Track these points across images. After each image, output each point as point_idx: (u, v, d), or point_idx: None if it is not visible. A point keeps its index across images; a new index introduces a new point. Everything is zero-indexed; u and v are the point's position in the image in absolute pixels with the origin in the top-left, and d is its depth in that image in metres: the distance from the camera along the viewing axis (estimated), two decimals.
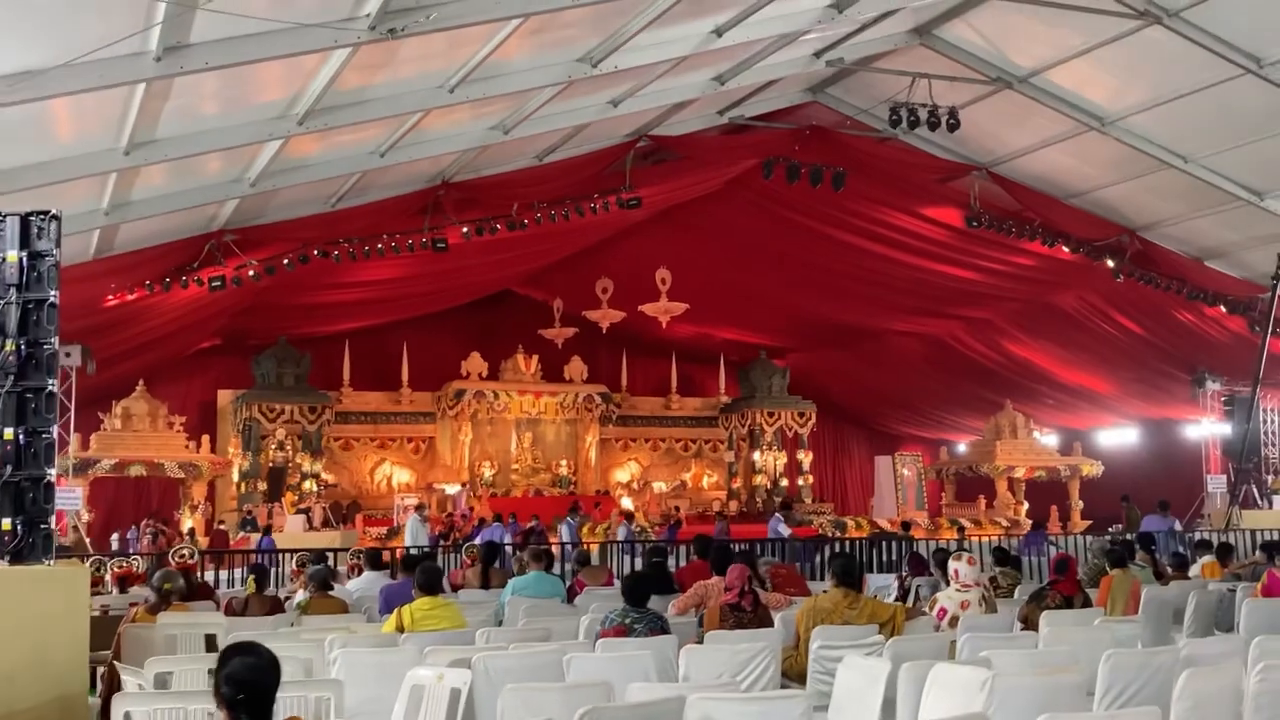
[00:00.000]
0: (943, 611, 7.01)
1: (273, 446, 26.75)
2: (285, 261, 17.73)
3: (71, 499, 18.58)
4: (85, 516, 21.19)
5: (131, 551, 18.26)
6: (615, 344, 30.19)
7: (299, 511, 21.20)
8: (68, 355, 18.98)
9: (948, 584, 7.31)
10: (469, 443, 29.06)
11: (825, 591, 6.82)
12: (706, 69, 16.31)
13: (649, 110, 17.52)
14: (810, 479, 31.33)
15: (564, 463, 29.98)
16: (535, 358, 29.68)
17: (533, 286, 29.19)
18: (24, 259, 6.52)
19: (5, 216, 6.55)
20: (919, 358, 29.76)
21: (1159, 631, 7.92)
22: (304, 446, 26.70)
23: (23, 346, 6.46)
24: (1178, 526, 20.88)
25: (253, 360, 26.99)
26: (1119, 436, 31.40)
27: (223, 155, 13.62)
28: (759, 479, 30.76)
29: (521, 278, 28.41)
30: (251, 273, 17.43)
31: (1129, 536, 16.04)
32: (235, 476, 26.71)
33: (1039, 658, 5.66)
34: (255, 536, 20.78)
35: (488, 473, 29.07)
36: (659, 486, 30.09)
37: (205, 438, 24.44)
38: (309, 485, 25.92)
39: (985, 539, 19.90)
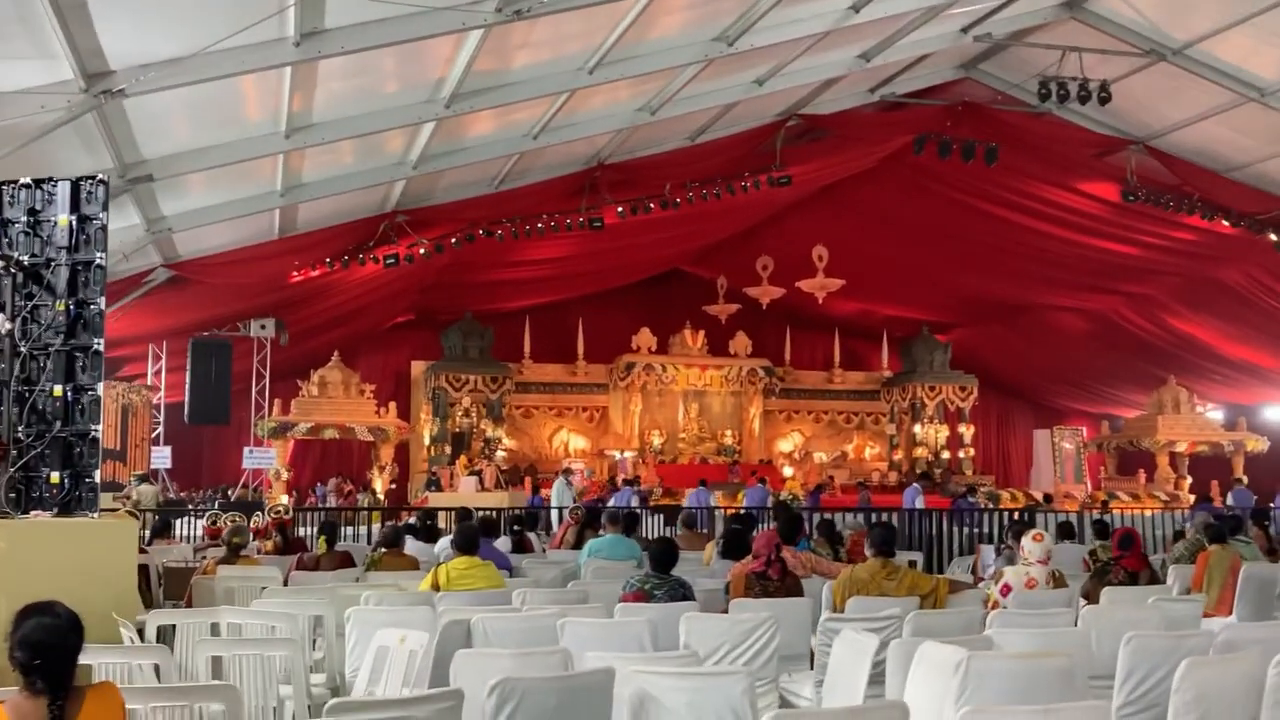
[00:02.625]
0: (1007, 588, 6.32)
1: (459, 413, 27.22)
2: (453, 240, 17.77)
3: (266, 458, 19.11)
4: (284, 475, 21.82)
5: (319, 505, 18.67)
6: (779, 319, 29.69)
7: (471, 473, 21.37)
8: (263, 327, 19.62)
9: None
10: (639, 412, 29.00)
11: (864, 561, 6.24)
12: (851, 46, 15.56)
13: (796, 89, 16.86)
14: (971, 451, 30.17)
15: (729, 433, 29.58)
16: (701, 333, 29.35)
17: (699, 265, 28.90)
18: (74, 222, 6.38)
19: (56, 181, 6.45)
20: (1080, 333, 28.16)
21: (1259, 610, 7.03)
22: (487, 414, 27.18)
23: (72, 307, 6.33)
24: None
25: (441, 334, 27.52)
26: None
27: (385, 138, 13.64)
28: (920, 451, 29.79)
29: (687, 256, 28.17)
30: (422, 251, 17.52)
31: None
32: (426, 440, 27.33)
33: (1061, 637, 4.95)
34: (440, 494, 21.14)
35: (656, 441, 28.94)
36: (819, 457, 29.51)
37: (392, 404, 24.91)
38: (481, 448, 26.27)
39: (1140, 512, 18.64)
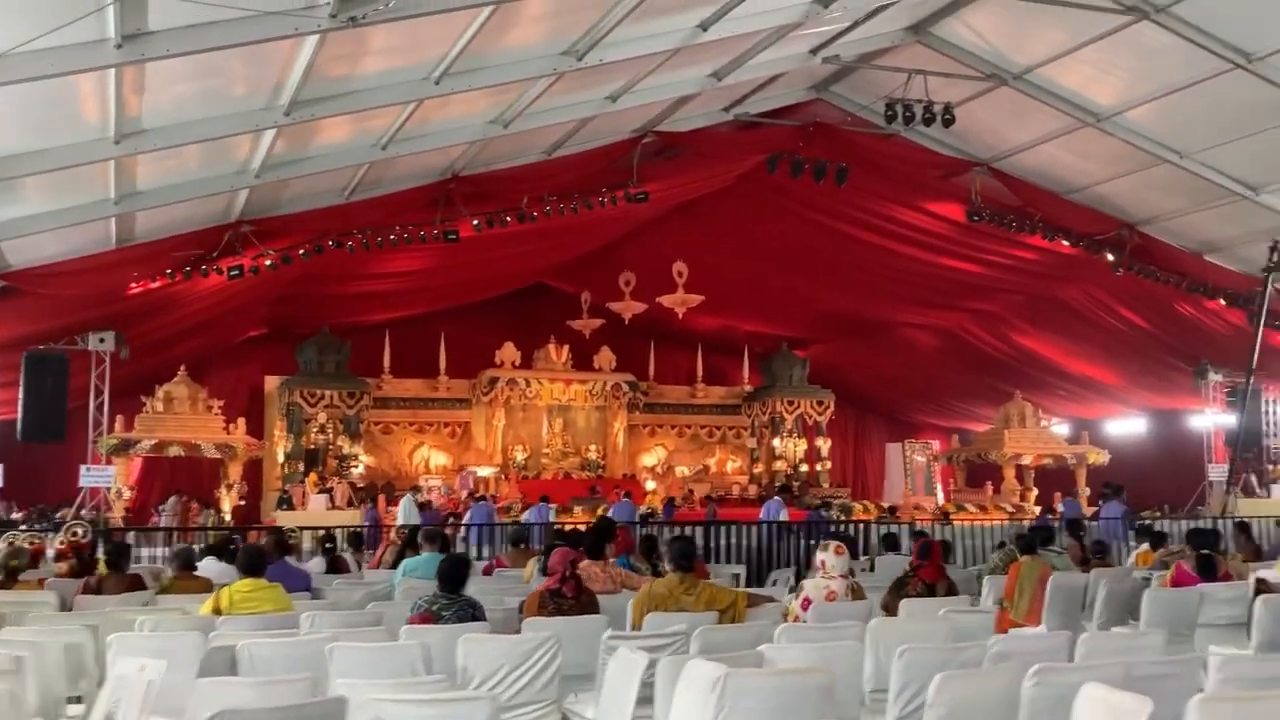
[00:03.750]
0: (807, 601, 6.33)
1: (314, 430, 26.59)
2: (301, 252, 17.30)
3: (104, 477, 18.33)
4: (125, 494, 20.97)
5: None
6: (644, 335, 29.75)
7: (322, 491, 20.84)
8: (102, 341, 18.82)
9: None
10: (502, 428, 28.73)
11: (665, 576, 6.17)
12: (703, 64, 15.65)
13: (651, 105, 16.88)
14: (829, 464, 30.67)
15: (593, 447, 29.52)
16: (566, 347, 29.23)
17: (563, 279, 28.80)
18: None
19: None
20: (931, 349, 28.88)
21: (1067, 619, 7.18)
22: (344, 430, 26.61)
23: None
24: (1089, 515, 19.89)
25: (296, 348, 26.82)
26: (1128, 426, 30.26)
27: (223, 145, 13.20)
28: (779, 464, 30.11)
29: (551, 270, 28.05)
30: (269, 262, 17.02)
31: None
32: (280, 458, 26.61)
33: (839, 651, 4.93)
34: (289, 513, 20.56)
35: (520, 456, 28.69)
36: (682, 471, 29.65)
37: (241, 420, 24.15)
38: (334, 465, 25.69)
39: (983, 523, 19.09)
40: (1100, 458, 27.73)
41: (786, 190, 20.51)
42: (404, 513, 17.36)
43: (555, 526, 15.61)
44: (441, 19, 10.78)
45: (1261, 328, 20.19)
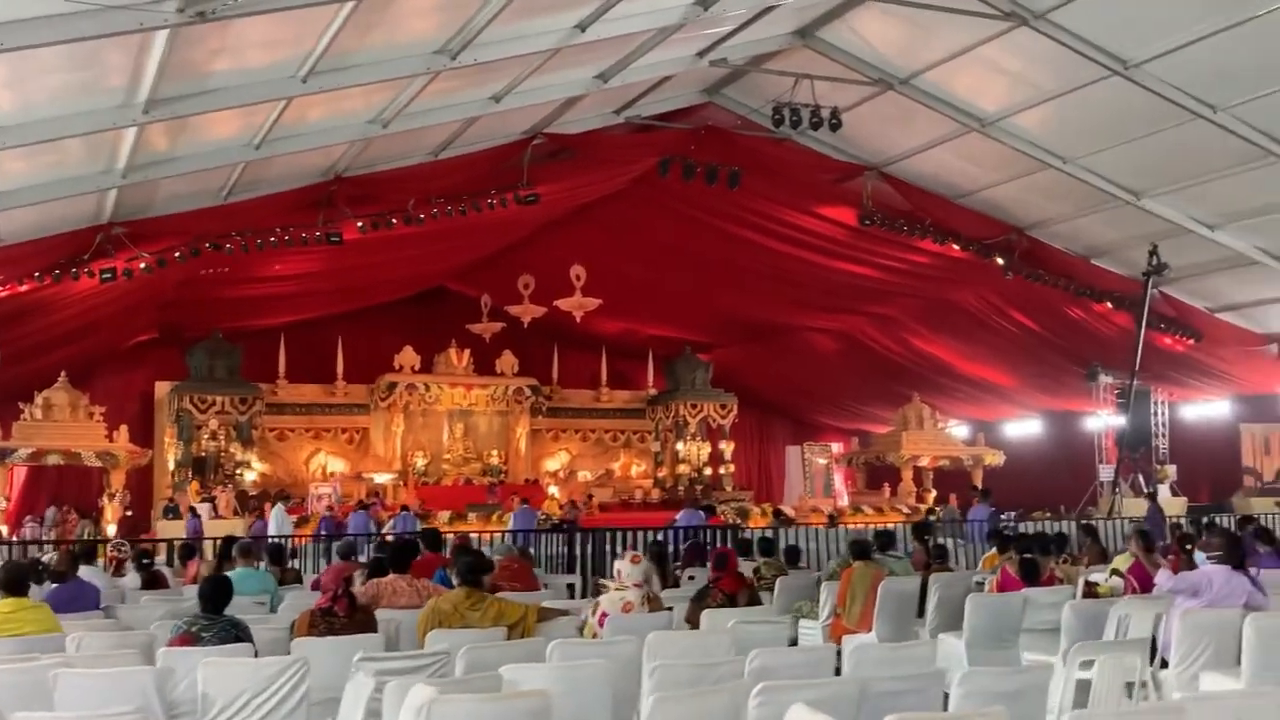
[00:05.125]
0: (604, 616, 6.20)
1: (205, 436, 25.98)
2: (177, 254, 16.79)
3: None
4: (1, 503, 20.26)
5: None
6: (547, 338, 29.62)
7: (205, 500, 20.31)
8: None
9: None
10: (401, 434, 28.35)
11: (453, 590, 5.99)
12: (588, 66, 15.50)
13: (538, 107, 16.71)
14: (732, 468, 30.72)
15: (495, 453, 29.24)
16: (467, 351, 28.92)
17: (463, 283, 28.55)
18: None
19: None
20: (831, 352, 29.08)
21: (898, 627, 7.14)
22: (236, 436, 26.03)
23: None
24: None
25: (187, 353, 26.14)
26: (1024, 428, 30.75)
27: (88, 144, 12.76)
28: (683, 468, 30.10)
29: (450, 274, 27.78)
30: (143, 265, 16.50)
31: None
32: (170, 465, 25.93)
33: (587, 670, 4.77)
34: (175, 523, 19.99)
35: (420, 462, 28.31)
36: (584, 475, 29.48)
37: (124, 427, 23.44)
38: (239, 474, 25.13)
39: (878, 525, 19.17)
40: (996, 459, 28.11)
41: (681, 194, 20.45)
42: (275, 523, 16.95)
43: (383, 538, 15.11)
44: (304, 15, 10.49)
45: (1144, 330, 20.53)
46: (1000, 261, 21.04)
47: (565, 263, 24.46)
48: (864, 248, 21.88)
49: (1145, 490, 23.66)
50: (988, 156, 18.70)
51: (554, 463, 30.47)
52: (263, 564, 8.35)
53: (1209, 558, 6.77)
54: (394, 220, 17.76)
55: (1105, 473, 24.15)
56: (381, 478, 27.01)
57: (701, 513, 18.80)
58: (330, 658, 5.01)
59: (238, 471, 25.06)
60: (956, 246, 20.88)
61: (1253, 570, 7.23)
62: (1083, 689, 5.52)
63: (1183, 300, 22.07)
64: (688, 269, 24.74)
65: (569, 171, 19.12)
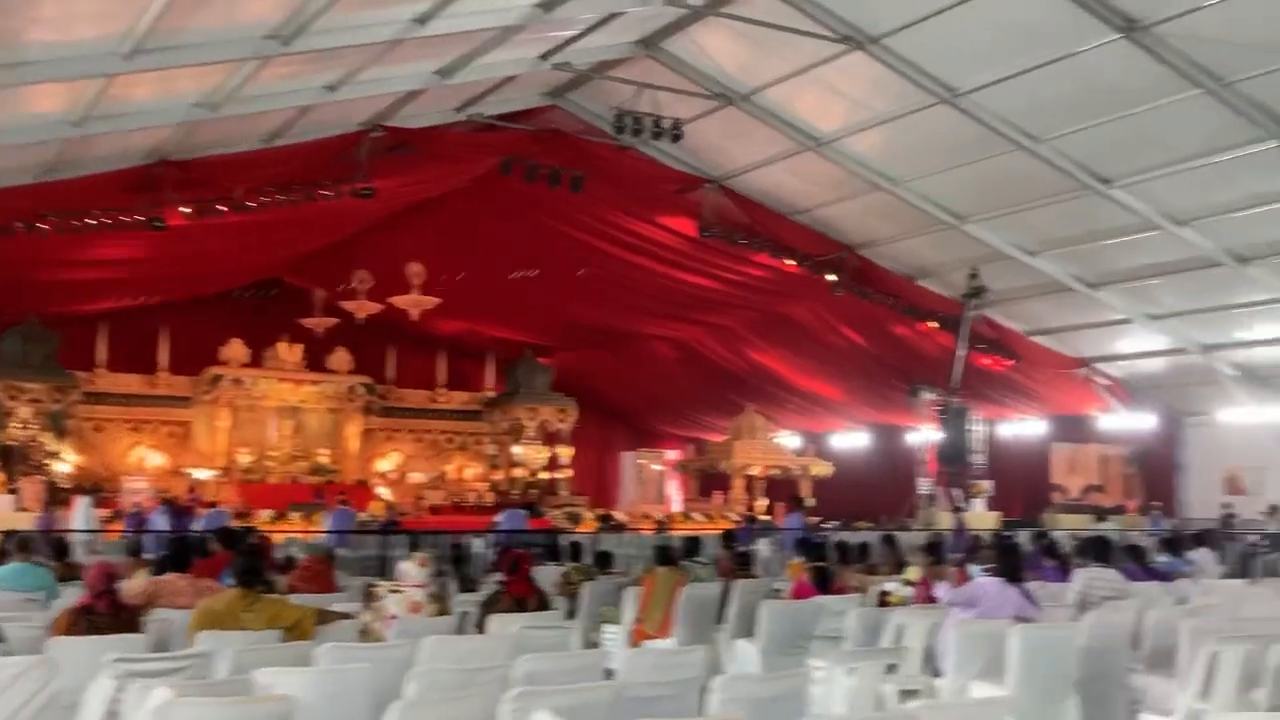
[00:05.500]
0: (392, 618, 6.16)
1: (16, 425, 24.70)
2: None
3: None
4: None
5: None
6: (384, 336, 29.12)
7: (9, 491, 19.32)
8: None
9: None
10: (226, 429, 27.45)
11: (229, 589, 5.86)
12: (428, 60, 15.32)
13: (377, 99, 16.45)
14: (569, 473, 30.65)
15: (325, 452, 28.52)
16: (300, 347, 28.15)
17: (299, 276, 27.77)
18: None
19: None
20: (670, 360, 29.40)
21: (698, 633, 7.26)
22: (50, 426, 24.83)
23: None
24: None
25: (0, 337, 24.84)
26: (851, 440, 31.61)
27: None
28: (519, 472, 29.92)
29: (284, 267, 26.99)
30: None
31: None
32: None
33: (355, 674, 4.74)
34: None
35: (244, 459, 27.45)
36: (415, 477, 29.04)
37: None
38: (50, 466, 23.99)
39: (705, 531, 19.42)
40: (825, 470, 28.80)
41: (523, 196, 20.33)
42: (82, 517, 16.22)
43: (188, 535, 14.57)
44: None
45: (963, 350, 21.33)
46: (832, 278, 21.58)
47: (404, 260, 24.10)
48: (703, 259, 22.17)
49: (960, 504, 24.56)
50: (823, 175, 19.18)
51: (386, 464, 29.91)
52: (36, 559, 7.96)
53: (984, 570, 7.05)
54: (222, 207, 17.18)
55: (924, 486, 24.96)
56: (203, 474, 26.14)
57: (524, 513, 18.68)
58: (87, 658, 4.78)
59: (48, 463, 23.88)
60: (791, 262, 21.32)
61: (1035, 583, 7.57)
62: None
63: (1002, 323, 23.03)
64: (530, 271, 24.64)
65: (408, 166, 18.82)
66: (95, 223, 16.43)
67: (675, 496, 31.51)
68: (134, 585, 6.40)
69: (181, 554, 6.57)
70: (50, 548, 8.68)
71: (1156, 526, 21.26)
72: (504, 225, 22.56)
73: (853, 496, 27.70)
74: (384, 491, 27.62)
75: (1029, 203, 18.37)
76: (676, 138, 17.12)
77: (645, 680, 4.32)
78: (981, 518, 23.42)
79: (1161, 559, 11.96)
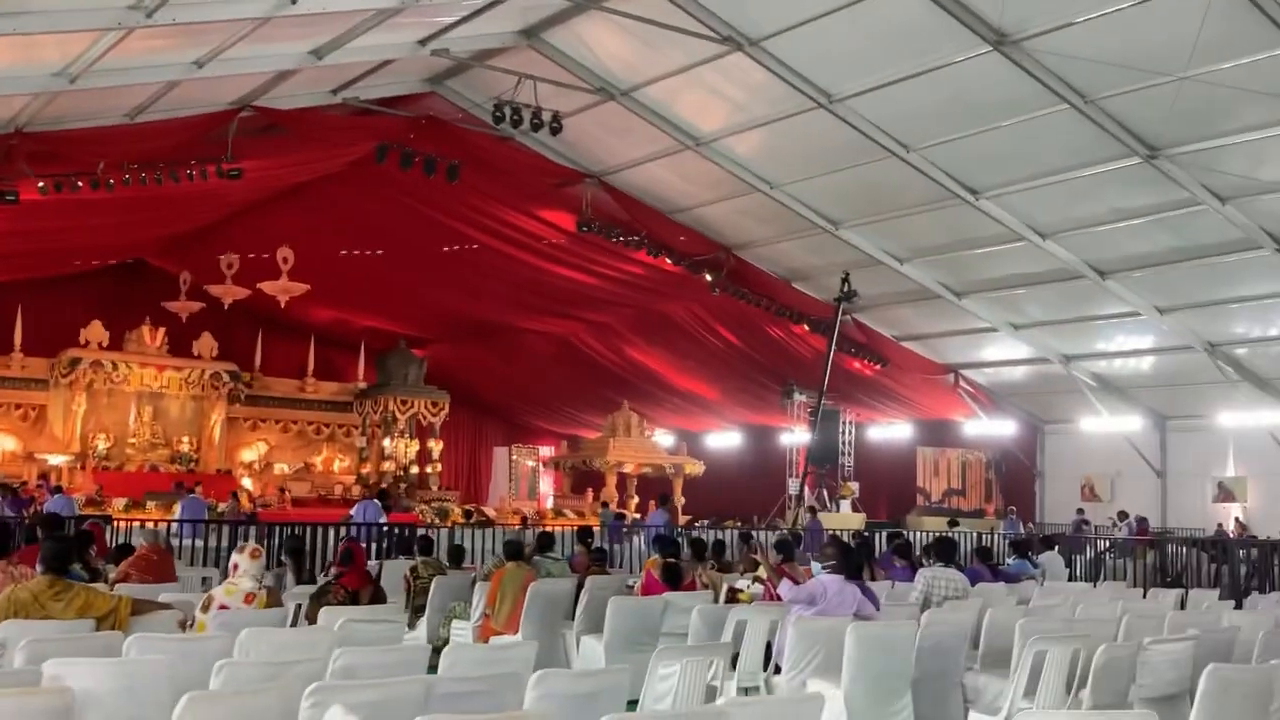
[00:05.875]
0: (223, 608, 5.98)
1: None
2: None
3: None
4: None
5: None
6: (253, 323, 28.44)
7: None
8: None
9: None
10: (83, 413, 26.41)
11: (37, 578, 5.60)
12: (301, 41, 14.89)
13: (247, 77, 15.95)
14: (439, 467, 30.24)
15: (186, 439, 27.68)
16: (162, 331, 27.27)
17: (164, 258, 27.08)
18: None
19: None
20: (547, 356, 29.26)
21: (546, 629, 7.21)
22: None
23: None
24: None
25: None
26: (725, 439, 31.89)
27: None
28: (388, 465, 29.38)
29: (149, 247, 26.27)
30: None
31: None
32: None
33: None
34: None
35: (102, 445, 26.46)
36: (281, 468, 28.36)
37: None
38: None
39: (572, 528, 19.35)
40: (697, 468, 28.95)
41: (399, 183, 19.98)
42: None
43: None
44: None
45: (832, 353, 21.65)
46: (709, 278, 21.71)
47: (273, 244, 23.53)
48: (582, 254, 22.13)
49: (828, 504, 24.98)
50: (702, 175, 19.26)
51: (251, 453, 29.10)
52: None
53: (824, 568, 7.12)
54: (80, 183, 16.51)
55: (794, 486, 25.30)
56: (56, 459, 25.10)
57: (377, 501, 18.31)
58: None
59: None
60: (669, 260, 21.39)
61: (884, 582, 7.67)
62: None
63: (873, 328, 23.48)
64: (403, 261, 24.28)
65: (278, 148, 18.36)
66: None
67: (549, 493, 31.37)
68: None
69: None
70: None
71: (1011, 530, 21.88)
72: (378, 212, 22.17)
73: (725, 496, 27.95)
74: (247, 482, 26.95)
75: (901, 210, 18.74)
76: (556, 130, 17.01)
77: (464, 676, 4.22)
78: (846, 518, 23.85)
79: (1010, 561, 12.30)
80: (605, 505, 24.58)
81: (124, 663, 4.35)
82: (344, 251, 23.87)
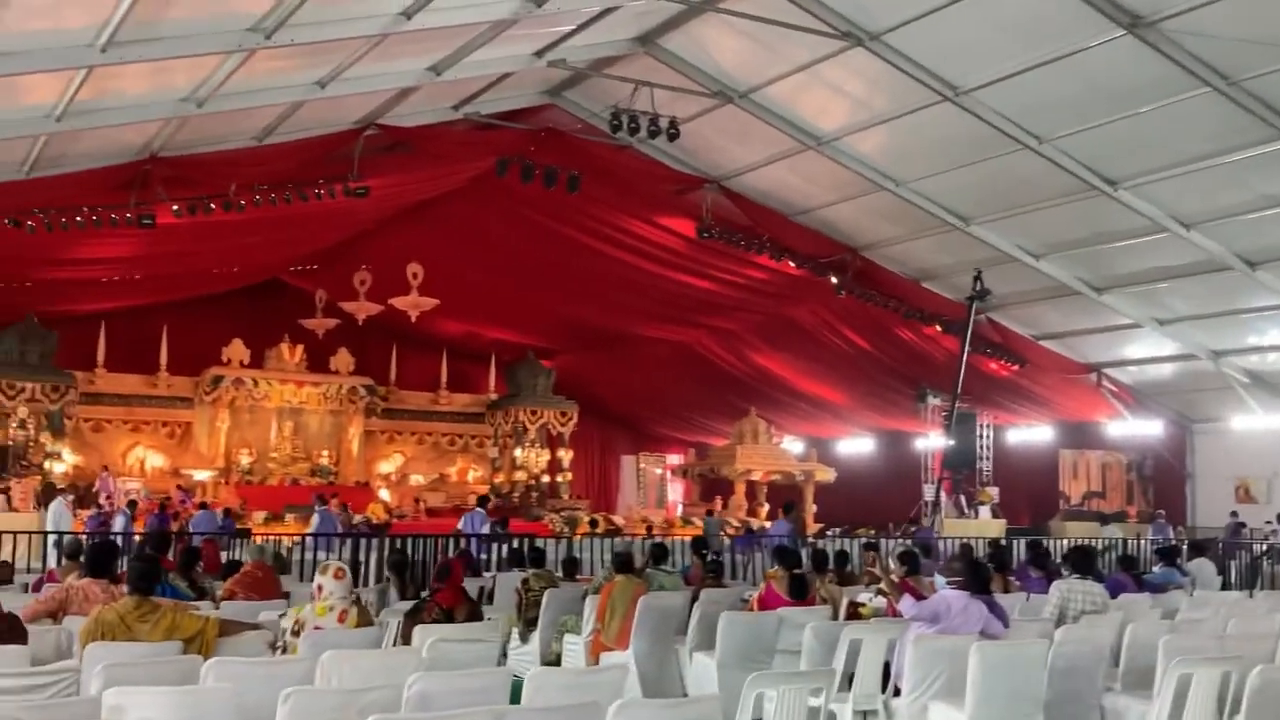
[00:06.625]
0: (316, 629, 5.80)
1: (13, 425, 24.50)
2: None
3: None
4: None
5: None
6: (386, 337, 28.94)
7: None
8: None
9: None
10: (226, 430, 27.25)
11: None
12: (420, 57, 15.00)
13: (370, 96, 16.13)
14: (569, 476, 30.36)
15: (325, 453, 28.31)
16: (300, 347, 27.98)
17: (299, 277, 27.67)
18: None
19: None
20: (672, 363, 29.01)
21: (656, 644, 6.90)
22: (47, 426, 24.62)
23: None
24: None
25: None
26: (856, 445, 31.22)
27: None
28: (520, 475, 29.62)
29: (284, 267, 26.87)
30: None
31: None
32: None
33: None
34: None
35: (245, 460, 27.26)
36: (416, 479, 28.80)
37: None
38: (49, 466, 23.80)
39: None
40: (827, 476, 28.43)
41: (521, 196, 20.06)
42: (53, 518, 15.93)
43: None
44: None
45: (965, 354, 20.94)
46: (834, 280, 21.23)
47: (403, 260, 23.87)
48: (703, 260, 21.87)
49: (965, 511, 24.19)
50: (824, 175, 18.82)
51: (388, 465, 29.70)
52: None
53: (949, 583, 6.67)
54: (212, 205, 16.93)
55: (929, 492, 24.57)
56: (201, 475, 25.97)
57: (482, 511, 18.25)
58: None
59: (47, 463, 23.67)
60: (792, 264, 20.98)
61: (1018, 595, 7.18)
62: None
63: (1009, 327, 22.63)
64: (528, 273, 24.38)
65: (403, 166, 18.56)
66: (84, 220, 16.17)
67: (678, 501, 31.16)
68: (51, 590, 6.11)
69: (101, 559, 6.23)
70: None
71: (1160, 534, 20.83)
72: (501, 225, 22.32)
73: (858, 504, 27.36)
74: (385, 494, 27.42)
75: (1034, 204, 17.99)
76: (673, 136, 16.78)
77: (545, 705, 3.99)
78: (985, 525, 23.04)
79: (1156, 570, 11.56)
80: (710, 513, 24.19)
81: (188, 691, 4.24)
82: (469, 267, 24.09)
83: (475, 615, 6.47)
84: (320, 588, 5.81)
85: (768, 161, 18.89)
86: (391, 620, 6.43)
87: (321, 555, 13.20)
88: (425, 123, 18.02)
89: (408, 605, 6.81)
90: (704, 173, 19.78)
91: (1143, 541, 18.92)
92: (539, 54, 16.03)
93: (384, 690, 4.23)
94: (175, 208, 16.72)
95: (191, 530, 15.86)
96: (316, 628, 5.64)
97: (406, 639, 5.93)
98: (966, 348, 20.73)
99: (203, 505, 19.46)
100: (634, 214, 20.88)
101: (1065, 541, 17.59)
